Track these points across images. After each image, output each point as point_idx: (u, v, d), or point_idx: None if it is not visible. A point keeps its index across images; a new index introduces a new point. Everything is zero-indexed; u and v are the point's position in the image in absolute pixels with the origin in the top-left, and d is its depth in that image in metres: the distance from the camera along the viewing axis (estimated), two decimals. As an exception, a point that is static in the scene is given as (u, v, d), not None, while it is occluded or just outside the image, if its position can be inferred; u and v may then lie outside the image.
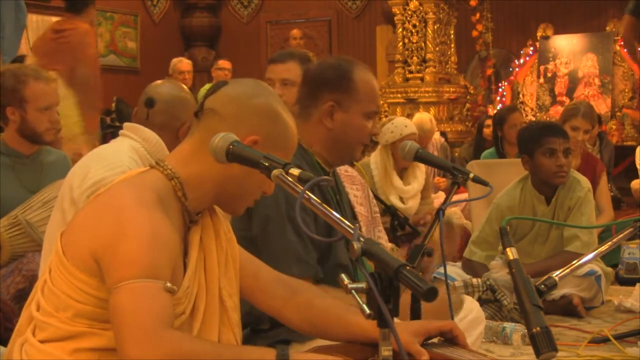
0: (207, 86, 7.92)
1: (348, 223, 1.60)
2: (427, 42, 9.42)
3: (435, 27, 9.46)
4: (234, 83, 1.85)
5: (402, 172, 5.45)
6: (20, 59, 5.95)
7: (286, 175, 1.62)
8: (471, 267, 4.46)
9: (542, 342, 1.73)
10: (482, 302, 3.97)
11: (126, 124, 2.97)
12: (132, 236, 1.62)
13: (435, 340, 1.88)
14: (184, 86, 3.13)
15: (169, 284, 1.62)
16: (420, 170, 5.49)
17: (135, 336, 1.54)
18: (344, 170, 2.83)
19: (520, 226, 4.48)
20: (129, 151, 2.83)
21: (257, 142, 1.77)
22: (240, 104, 1.79)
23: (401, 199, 5.41)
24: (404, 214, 3.84)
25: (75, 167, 2.90)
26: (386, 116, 8.94)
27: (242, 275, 1.93)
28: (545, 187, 4.42)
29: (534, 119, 9.09)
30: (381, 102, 9.46)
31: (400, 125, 5.35)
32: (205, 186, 1.79)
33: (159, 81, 3.10)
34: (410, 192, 5.41)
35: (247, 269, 1.95)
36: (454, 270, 4.47)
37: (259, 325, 2.39)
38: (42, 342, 1.70)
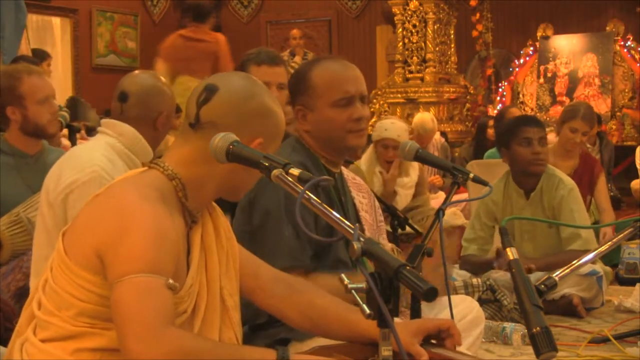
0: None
1: (348, 223, 1.60)
2: (427, 42, 9.42)
3: (435, 27, 9.46)
4: (224, 87, 1.81)
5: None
6: (19, 59, 5.95)
7: (286, 175, 1.62)
8: (466, 261, 4.49)
9: (542, 342, 1.73)
10: (482, 302, 3.97)
11: (103, 121, 2.99)
12: (135, 231, 1.62)
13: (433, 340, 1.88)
14: (160, 76, 3.12)
15: (171, 281, 1.61)
16: (413, 168, 5.48)
17: (137, 332, 1.54)
18: (351, 178, 2.84)
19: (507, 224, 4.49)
20: (103, 149, 2.83)
21: (262, 143, 1.79)
22: (238, 112, 1.79)
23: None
24: (402, 214, 3.84)
25: (50, 171, 2.91)
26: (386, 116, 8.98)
27: (242, 274, 1.93)
28: (525, 180, 4.45)
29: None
30: (381, 102, 9.48)
31: (381, 127, 5.36)
32: (207, 187, 1.80)
33: (135, 71, 3.10)
34: (398, 184, 5.41)
35: (247, 267, 1.96)
36: (454, 270, 4.48)
37: (256, 321, 2.39)
38: (43, 341, 1.70)
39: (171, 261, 1.65)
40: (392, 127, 5.33)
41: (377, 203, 2.94)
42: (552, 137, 5.42)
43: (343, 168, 2.73)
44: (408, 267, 1.47)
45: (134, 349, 1.53)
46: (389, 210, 3.79)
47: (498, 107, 9.14)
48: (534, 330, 1.75)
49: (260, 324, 2.41)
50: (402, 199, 5.43)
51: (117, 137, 2.88)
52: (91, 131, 8.26)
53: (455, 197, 2.66)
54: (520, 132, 4.38)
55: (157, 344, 1.53)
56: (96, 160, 2.75)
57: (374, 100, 9.41)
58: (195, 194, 1.79)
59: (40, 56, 7.94)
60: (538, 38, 9.73)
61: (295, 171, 1.61)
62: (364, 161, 5.45)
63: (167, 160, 1.80)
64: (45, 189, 2.82)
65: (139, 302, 1.56)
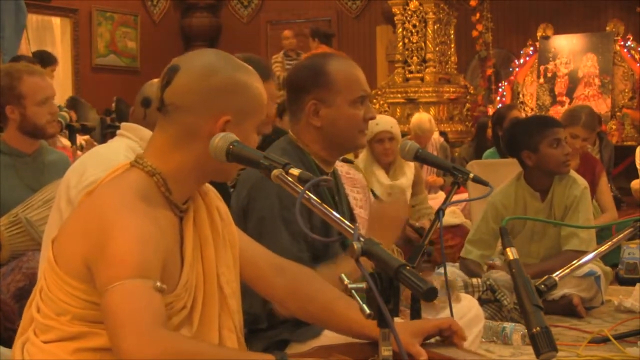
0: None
1: (348, 223, 1.59)
2: (427, 42, 9.42)
3: (435, 27, 9.46)
4: (185, 66, 1.76)
5: (390, 168, 5.48)
6: (18, 59, 5.95)
7: (286, 175, 1.61)
8: (466, 266, 4.47)
9: (542, 342, 1.73)
10: (482, 302, 3.97)
11: (124, 124, 2.98)
12: (117, 237, 1.60)
13: (433, 340, 1.88)
14: None
15: (158, 284, 1.60)
16: (409, 166, 5.49)
17: (130, 334, 1.52)
18: (345, 173, 2.82)
19: (515, 224, 4.49)
20: (125, 151, 2.83)
21: (229, 121, 1.74)
22: (200, 90, 1.74)
23: (388, 195, 5.43)
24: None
25: (72, 167, 2.91)
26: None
27: (242, 262, 1.90)
28: (544, 181, 4.42)
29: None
30: (381, 102, 9.48)
31: (372, 123, 5.36)
32: (189, 173, 1.76)
33: (154, 80, 3.10)
34: (396, 187, 5.42)
35: (246, 256, 1.93)
36: (454, 270, 4.47)
37: (256, 325, 2.38)
38: (45, 342, 1.70)
39: (157, 263, 1.63)
40: (383, 120, 5.42)
41: (372, 197, 2.93)
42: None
43: (337, 162, 2.71)
44: (408, 267, 1.47)
45: (127, 349, 1.51)
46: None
47: (498, 107, 9.12)
48: (534, 330, 1.74)
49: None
50: None
51: (138, 141, 2.88)
52: (90, 130, 8.27)
53: (455, 197, 2.66)
54: (551, 133, 4.33)
55: (151, 343, 1.52)
56: (121, 161, 2.75)
57: (374, 100, 9.41)
58: (179, 185, 1.75)
59: (46, 60, 7.86)
60: (538, 38, 9.72)
61: (295, 171, 1.61)
62: (361, 163, 5.46)
63: (146, 155, 1.77)
64: (66, 185, 2.81)
65: (129, 306, 1.55)
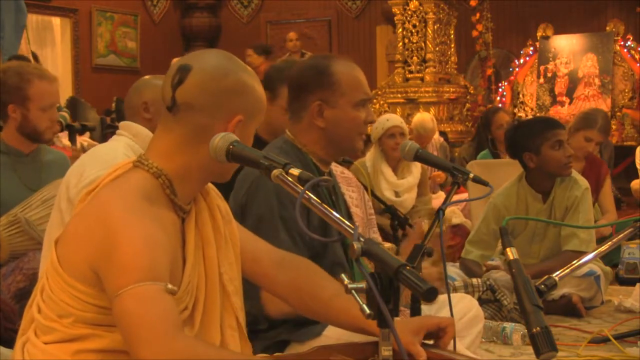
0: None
1: (348, 223, 1.59)
2: (427, 42, 9.41)
3: (435, 27, 9.46)
4: (198, 65, 1.76)
5: (397, 166, 5.50)
6: (17, 58, 5.94)
7: (286, 175, 1.61)
8: (466, 266, 4.47)
9: (542, 342, 1.73)
10: (482, 302, 3.97)
11: (121, 123, 3.00)
12: (124, 242, 1.59)
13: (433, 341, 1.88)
14: None
15: (169, 286, 1.59)
16: (416, 165, 5.51)
17: (148, 339, 1.52)
18: (340, 172, 2.82)
19: (516, 225, 4.49)
20: (124, 149, 2.85)
21: (241, 121, 1.76)
22: (213, 91, 1.74)
23: (395, 193, 5.45)
24: (402, 213, 3.83)
25: (72, 167, 2.92)
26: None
27: (243, 259, 1.90)
28: (545, 183, 4.42)
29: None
30: (381, 102, 9.48)
31: (382, 120, 5.47)
32: (194, 175, 1.76)
33: (146, 77, 3.12)
34: (403, 185, 5.46)
35: (247, 252, 1.92)
36: (454, 270, 4.48)
37: (256, 326, 2.38)
38: (46, 344, 1.70)
39: (166, 265, 1.62)
40: (392, 117, 5.59)
41: (367, 196, 2.94)
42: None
43: (333, 164, 2.72)
44: (408, 267, 1.47)
45: (146, 355, 1.51)
46: (389, 210, 3.78)
47: (485, 110, 9.11)
48: (534, 330, 1.74)
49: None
50: (408, 202, 5.46)
51: (132, 137, 2.89)
52: (90, 130, 8.27)
53: (455, 197, 2.65)
54: (553, 135, 4.32)
55: (169, 350, 1.52)
56: (120, 160, 2.76)
57: (374, 100, 9.41)
58: (183, 186, 1.75)
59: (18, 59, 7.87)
60: (538, 38, 9.72)
61: (295, 171, 1.61)
62: (368, 162, 5.48)
63: (151, 155, 1.76)
64: (66, 184, 2.82)
65: (143, 310, 1.55)
